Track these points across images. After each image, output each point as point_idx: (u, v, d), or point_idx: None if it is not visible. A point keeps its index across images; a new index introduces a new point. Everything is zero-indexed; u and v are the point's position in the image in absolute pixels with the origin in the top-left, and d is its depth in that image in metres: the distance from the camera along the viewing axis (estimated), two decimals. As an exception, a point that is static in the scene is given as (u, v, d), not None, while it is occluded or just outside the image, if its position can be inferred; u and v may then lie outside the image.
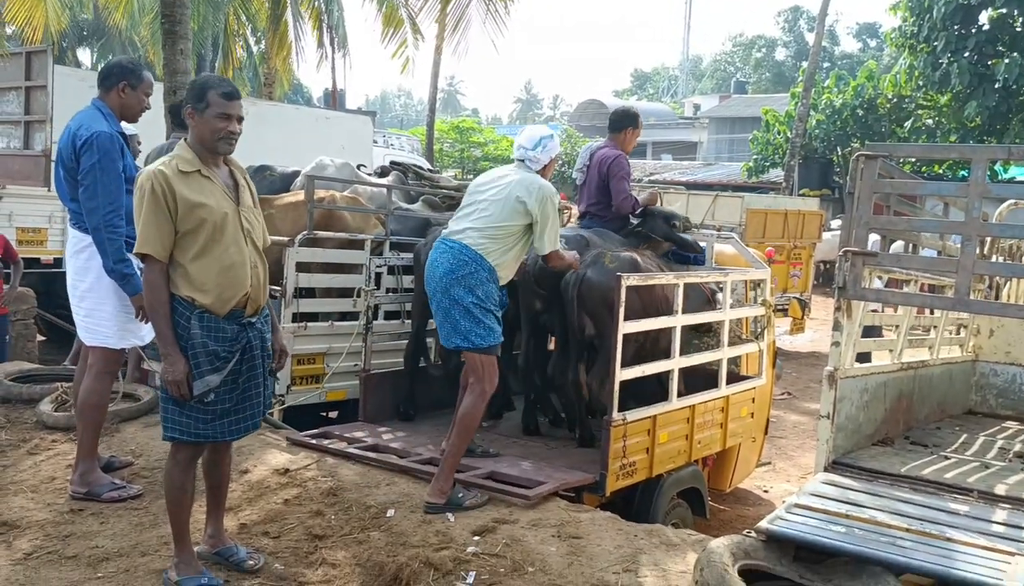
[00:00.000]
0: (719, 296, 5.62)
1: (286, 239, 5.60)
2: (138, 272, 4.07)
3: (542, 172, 4.45)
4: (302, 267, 5.63)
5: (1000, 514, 3.80)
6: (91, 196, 4.16)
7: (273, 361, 3.63)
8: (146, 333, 4.40)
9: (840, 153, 26.34)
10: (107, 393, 4.48)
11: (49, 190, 7.22)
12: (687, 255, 5.97)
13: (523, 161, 4.44)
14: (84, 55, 34.31)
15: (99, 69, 4.62)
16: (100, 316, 4.30)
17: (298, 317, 5.62)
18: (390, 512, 4.09)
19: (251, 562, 3.62)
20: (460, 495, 4.16)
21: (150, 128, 6.01)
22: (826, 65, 42.72)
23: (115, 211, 4.16)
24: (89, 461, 4.31)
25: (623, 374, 4.53)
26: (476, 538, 3.82)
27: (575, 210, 6.62)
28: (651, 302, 4.95)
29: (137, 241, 3.29)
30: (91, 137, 4.16)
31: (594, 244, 5.27)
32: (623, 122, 6.01)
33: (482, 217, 4.25)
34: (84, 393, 4.35)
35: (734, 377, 5.78)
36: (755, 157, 28.13)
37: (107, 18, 18.29)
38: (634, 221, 5.85)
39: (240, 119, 3.40)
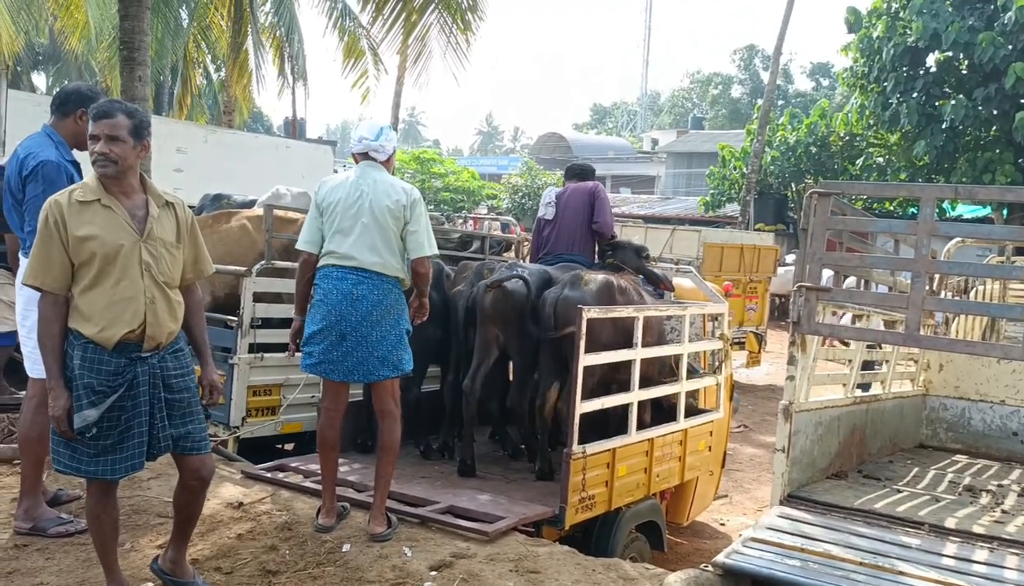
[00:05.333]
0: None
1: (243, 268, 5.54)
2: None
3: (387, 165, 4.32)
4: (259, 297, 5.57)
5: (950, 548, 3.87)
6: (33, 228, 4.07)
7: (202, 397, 3.49)
8: None
9: (794, 189, 26.87)
10: (48, 425, 4.36)
11: (-1, 216, 7.06)
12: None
13: (366, 154, 4.26)
14: (39, 79, 33.90)
15: (54, 94, 4.53)
16: None
17: (255, 348, 5.55)
18: (346, 547, 4.03)
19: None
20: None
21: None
22: (780, 103, 43.70)
23: None
24: (33, 495, 4.18)
25: (584, 406, 4.55)
26: (433, 573, 3.78)
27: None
28: (623, 327, 5.00)
29: (25, 271, 3.24)
30: (37, 166, 4.07)
31: (557, 278, 5.31)
32: (588, 174, 6.39)
33: (379, 239, 4.10)
34: (25, 426, 4.23)
35: (692, 410, 5.82)
36: (712, 192, 28.58)
37: (63, 43, 18.07)
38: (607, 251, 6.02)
39: (113, 138, 3.19)
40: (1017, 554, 3.85)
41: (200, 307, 3.62)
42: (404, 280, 4.23)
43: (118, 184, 3.27)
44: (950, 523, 4.23)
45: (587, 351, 4.53)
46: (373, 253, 4.10)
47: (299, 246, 4.26)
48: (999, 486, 5.29)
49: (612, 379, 5.06)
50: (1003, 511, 4.66)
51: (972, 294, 7.87)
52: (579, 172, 6.35)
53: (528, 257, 6.58)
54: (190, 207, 6.13)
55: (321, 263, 4.19)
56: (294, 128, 23.30)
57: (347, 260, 4.10)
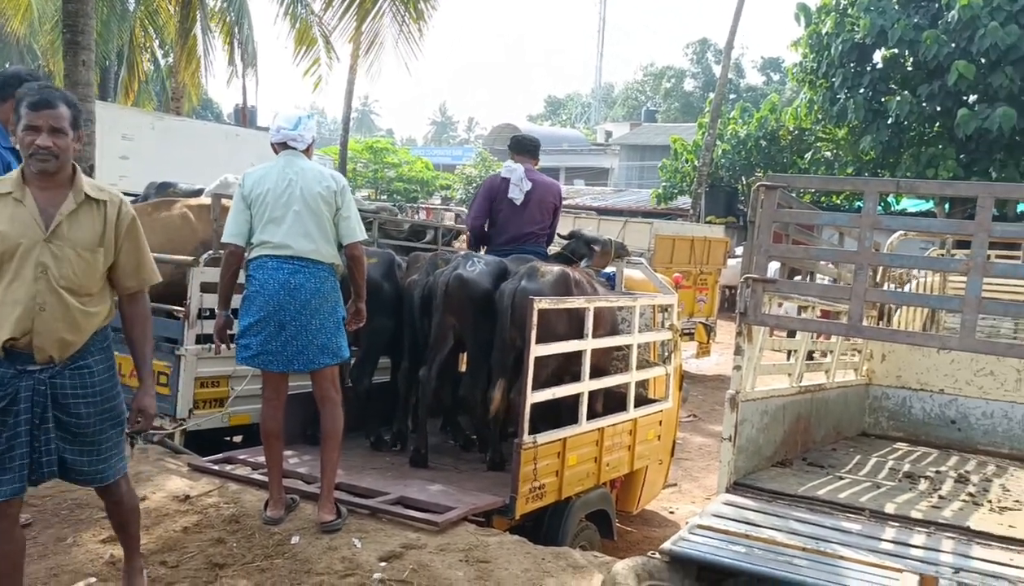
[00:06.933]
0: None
1: (190, 258, 5.45)
2: None
3: (306, 153, 4.30)
4: (206, 287, 5.48)
5: (889, 532, 3.97)
6: None
7: (129, 420, 3.22)
8: None
9: (744, 182, 27.24)
10: None
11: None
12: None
13: (285, 144, 4.23)
14: (-22, 62, 32.82)
15: None
16: None
17: (202, 338, 5.46)
18: (294, 539, 4.00)
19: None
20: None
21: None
22: (732, 97, 44.22)
23: None
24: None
25: (535, 397, 4.57)
26: (383, 564, 3.78)
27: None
28: (577, 316, 5.04)
29: None
30: None
31: (513, 271, 5.31)
32: (535, 149, 6.33)
33: (312, 226, 4.08)
34: None
35: (642, 400, 5.89)
36: (664, 184, 28.84)
37: (4, 25, 17.55)
38: (563, 243, 6.18)
39: (57, 131, 2.97)
40: (952, 538, 3.97)
41: (145, 320, 3.29)
42: (338, 266, 4.23)
43: (46, 179, 3.01)
44: (890, 508, 4.34)
45: (539, 342, 4.55)
46: (307, 240, 4.07)
47: (225, 239, 4.19)
48: (937, 473, 5.45)
49: (566, 370, 5.09)
50: (940, 496, 4.79)
51: (913, 285, 8.08)
52: (530, 148, 6.27)
53: (467, 229, 6.57)
54: (134, 196, 6.00)
55: (254, 254, 4.14)
56: (244, 116, 22.94)
57: (282, 249, 4.06)
